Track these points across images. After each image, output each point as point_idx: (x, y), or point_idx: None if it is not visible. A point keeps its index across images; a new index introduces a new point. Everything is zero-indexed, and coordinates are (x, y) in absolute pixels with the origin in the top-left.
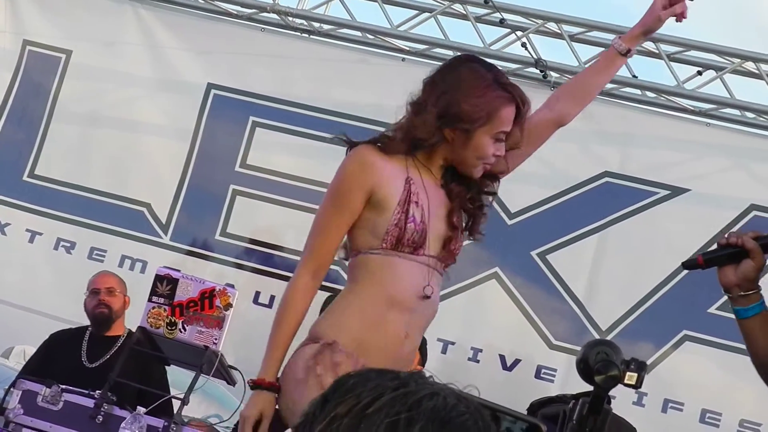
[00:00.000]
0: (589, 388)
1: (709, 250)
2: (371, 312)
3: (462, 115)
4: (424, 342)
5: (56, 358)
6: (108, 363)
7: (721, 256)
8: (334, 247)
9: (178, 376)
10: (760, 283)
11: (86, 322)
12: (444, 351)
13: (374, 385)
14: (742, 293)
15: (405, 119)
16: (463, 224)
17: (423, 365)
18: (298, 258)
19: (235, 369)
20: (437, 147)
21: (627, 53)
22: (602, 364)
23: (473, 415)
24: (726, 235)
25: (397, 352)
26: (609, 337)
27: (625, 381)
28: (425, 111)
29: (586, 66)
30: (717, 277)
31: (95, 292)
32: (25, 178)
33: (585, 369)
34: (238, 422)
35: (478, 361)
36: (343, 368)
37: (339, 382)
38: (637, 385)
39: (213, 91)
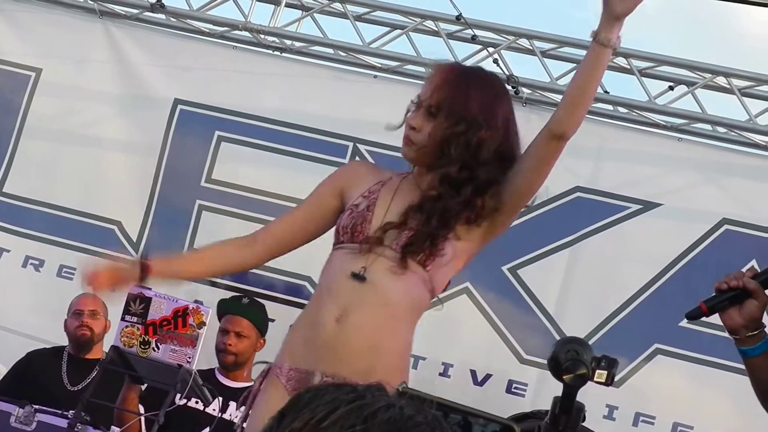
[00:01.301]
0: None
1: (710, 296)
2: (307, 310)
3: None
4: None
5: (35, 379)
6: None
7: (724, 300)
8: (282, 224)
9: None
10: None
11: (55, 340)
12: (415, 366)
13: (330, 398)
14: (749, 333)
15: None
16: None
17: None
18: (270, 275)
19: (209, 387)
20: None
21: (609, 43)
22: (571, 362)
23: (430, 425)
24: (724, 279)
25: (329, 336)
26: None
27: (595, 379)
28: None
29: (558, 82)
30: (721, 321)
31: (78, 313)
32: None
33: (555, 367)
34: None
35: (449, 376)
36: (268, 379)
37: (296, 397)
38: (607, 382)
39: (179, 107)
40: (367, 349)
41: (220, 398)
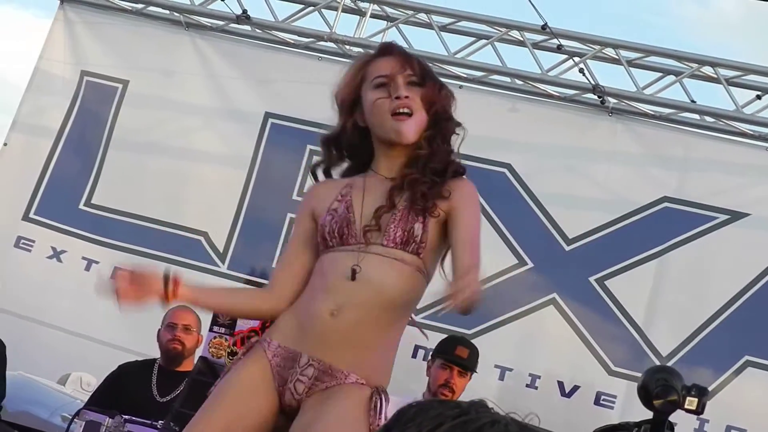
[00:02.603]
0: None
1: None
2: (299, 301)
3: (338, 97)
4: (475, 352)
5: (126, 391)
6: (179, 396)
7: None
8: (284, 270)
9: None
10: None
11: (143, 351)
12: (501, 377)
13: (435, 414)
14: None
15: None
16: (422, 206)
17: (469, 372)
18: None
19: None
20: (367, 147)
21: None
22: (662, 388)
23: None
24: None
25: (323, 326)
26: (669, 363)
27: (686, 406)
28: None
29: (644, 91)
30: None
31: (171, 326)
32: (81, 206)
33: (645, 395)
34: None
35: (536, 388)
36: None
37: (401, 411)
38: (698, 411)
39: (270, 120)
40: (358, 344)
41: None
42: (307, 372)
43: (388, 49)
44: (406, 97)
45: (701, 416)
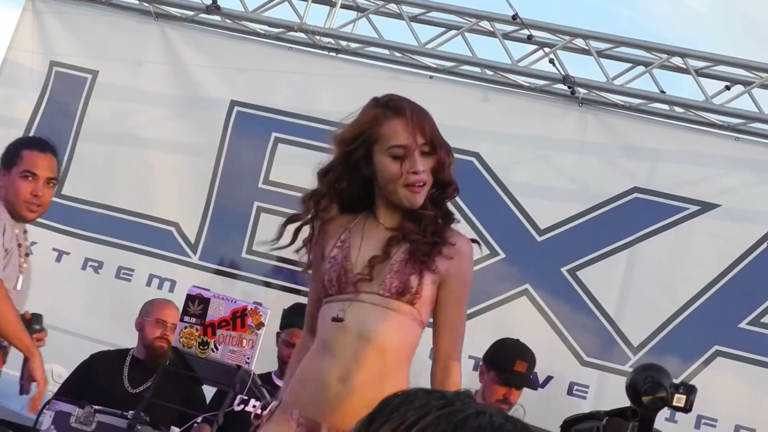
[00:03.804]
0: (623, 404)
1: None
2: (311, 361)
3: (343, 144)
4: (533, 359)
5: (97, 381)
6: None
7: None
8: (316, 312)
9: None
10: None
11: (115, 341)
12: (475, 368)
13: (420, 404)
14: None
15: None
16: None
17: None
18: None
19: (268, 388)
20: (369, 194)
21: None
22: (650, 385)
23: None
24: None
25: (335, 395)
26: (641, 354)
27: (674, 403)
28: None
29: (614, 82)
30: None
31: (161, 323)
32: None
33: (633, 392)
34: None
35: None
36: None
37: (385, 401)
38: (686, 408)
39: (236, 108)
40: (372, 406)
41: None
42: None
43: (400, 110)
44: (423, 171)
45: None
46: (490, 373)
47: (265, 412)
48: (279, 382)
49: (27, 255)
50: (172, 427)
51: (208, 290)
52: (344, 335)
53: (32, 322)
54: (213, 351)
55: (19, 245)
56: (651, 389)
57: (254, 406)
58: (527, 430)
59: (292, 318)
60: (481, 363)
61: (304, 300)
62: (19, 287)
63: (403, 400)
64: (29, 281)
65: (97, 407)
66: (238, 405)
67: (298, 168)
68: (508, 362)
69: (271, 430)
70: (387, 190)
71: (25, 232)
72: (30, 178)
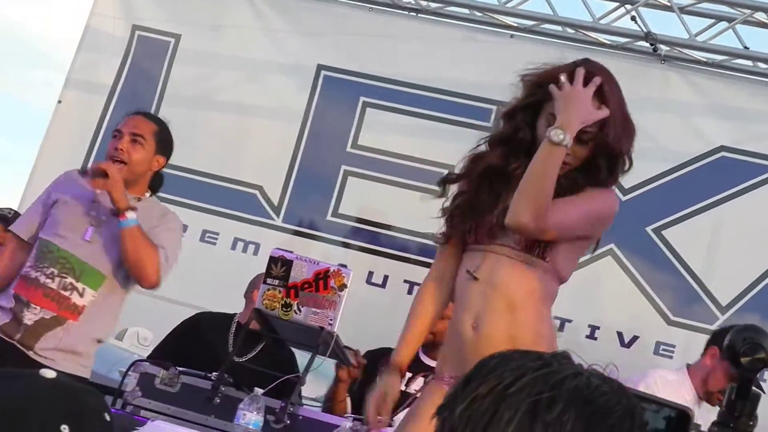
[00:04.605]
0: None
1: None
2: (453, 314)
3: (530, 86)
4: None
5: (202, 346)
6: (257, 357)
7: None
8: (448, 259)
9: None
10: None
11: (202, 305)
12: (561, 329)
13: (516, 365)
14: None
15: None
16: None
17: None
18: (407, 237)
19: (350, 349)
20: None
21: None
22: (749, 346)
23: (617, 395)
24: None
25: (467, 344)
26: (729, 313)
27: None
28: None
29: (697, 38)
30: None
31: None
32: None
33: (732, 353)
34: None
35: (595, 339)
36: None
37: (481, 363)
38: None
39: (323, 72)
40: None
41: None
42: None
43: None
44: None
45: None
46: (723, 359)
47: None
48: (424, 358)
49: None
50: (255, 387)
51: (291, 252)
52: (475, 286)
53: None
54: (296, 313)
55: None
56: (750, 350)
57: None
58: (624, 391)
59: None
60: (713, 345)
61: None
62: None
63: (499, 362)
64: None
65: (181, 369)
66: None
67: (387, 132)
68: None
69: (424, 398)
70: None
71: None
72: (117, 136)
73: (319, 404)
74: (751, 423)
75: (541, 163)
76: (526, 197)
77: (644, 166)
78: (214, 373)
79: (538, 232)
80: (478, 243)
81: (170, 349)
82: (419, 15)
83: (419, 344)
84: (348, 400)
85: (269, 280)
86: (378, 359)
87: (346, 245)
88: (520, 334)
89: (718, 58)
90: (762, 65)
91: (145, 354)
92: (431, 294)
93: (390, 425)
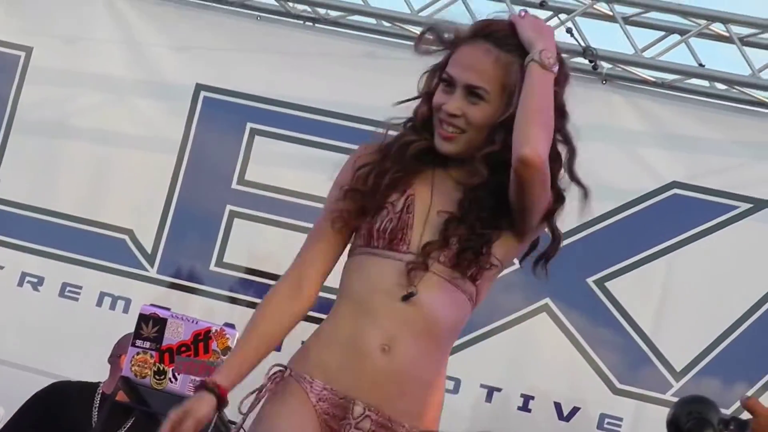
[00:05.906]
0: None
1: None
2: (339, 324)
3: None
4: None
5: (60, 423)
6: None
7: None
8: (319, 257)
9: None
10: None
11: (57, 372)
12: (489, 399)
13: None
14: None
15: None
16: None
17: None
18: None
19: (235, 424)
20: None
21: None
22: (695, 422)
23: None
24: None
25: (373, 366)
26: (685, 379)
27: None
28: None
29: (644, 54)
30: None
31: None
32: None
33: (675, 430)
34: None
35: (529, 410)
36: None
37: None
38: None
39: (203, 93)
40: (418, 389)
41: None
42: (363, 425)
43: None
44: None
45: None
46: None
47: (266, 381)
48: None
49: None
50: None
51: (166, 309)
52: (395, 303)
53: None
54: (171, 381)
55: None
56: (696, 427)
57: None
58: None
59: None
60: None
61: None
62: None
63: None
64: None
65: None
66: None
67: (280, 166)
68: None
69: (279, 410)
70: None
71: None
72: None
73: None
74: None
75: (545, 89)
76: (541, 126)
77: (583, 205)
78: None
79: (544, 176)
80: (394, 251)
81: (21, 428)
82: (316, 25)
83: (253, 367)
84: None
85: (139, 342)
86: None
87: (232, 300)
88: (428, 370)
89: (669, 77)
90: (720, 86)
91: None
92: (287, 301)
93: None
